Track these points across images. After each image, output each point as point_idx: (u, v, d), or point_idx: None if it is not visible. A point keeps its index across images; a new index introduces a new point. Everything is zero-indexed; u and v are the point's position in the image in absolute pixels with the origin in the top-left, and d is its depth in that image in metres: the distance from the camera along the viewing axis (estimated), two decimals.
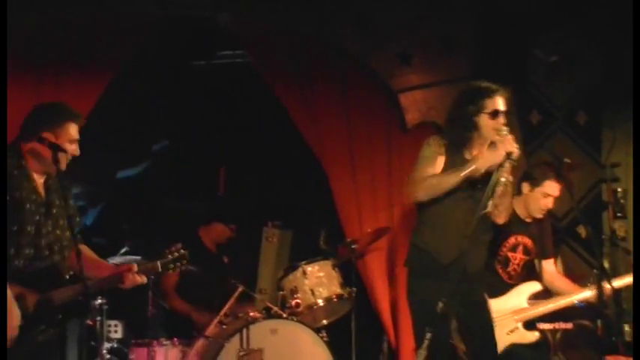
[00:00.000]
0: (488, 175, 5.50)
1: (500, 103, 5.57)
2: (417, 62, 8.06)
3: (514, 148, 5.38)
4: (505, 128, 5.49)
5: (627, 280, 6.43)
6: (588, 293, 6.44)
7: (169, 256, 5.50)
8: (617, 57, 8.16)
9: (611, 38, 8.17)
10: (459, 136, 5.65)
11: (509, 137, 5.43)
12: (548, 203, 6.52)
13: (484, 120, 5.56)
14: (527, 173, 6.50)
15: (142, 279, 5.33)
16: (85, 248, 5.46)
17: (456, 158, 5.62)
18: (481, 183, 5.55)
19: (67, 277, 5.12)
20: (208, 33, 8.34)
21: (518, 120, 8.10)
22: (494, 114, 5.54)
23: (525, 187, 6.50)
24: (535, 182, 6.48)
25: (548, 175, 6.47)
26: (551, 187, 6.49)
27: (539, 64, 8.31)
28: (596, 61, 8.27)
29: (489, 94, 5.59)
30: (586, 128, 8.31)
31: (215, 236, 7.97)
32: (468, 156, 5.65)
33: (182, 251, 5.54)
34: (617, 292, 7.40)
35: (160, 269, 5.47)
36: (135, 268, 5.29)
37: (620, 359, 6.90)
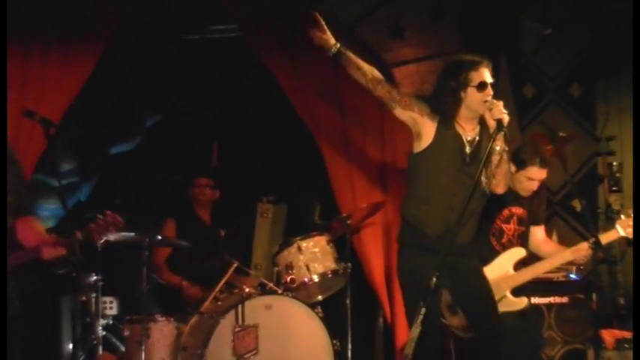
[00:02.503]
0: (478, 146, 5.52)
1: (486, 74, 5.53)
2: (409, 35, 8.03)
3: (503, 115, 5.34)
4: (493, 101, 5.45)
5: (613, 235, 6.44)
6: (569, 255, 6.43)
7: (92, 224, 5.13)
8: (609, 27, 8.14)
9: (603, 8, 8.16)
10: (446, 111, 5.61)
11: (498, 103, 5.39)
12: (533, 186, 6.52)
13: (471, 93, 5.51)
14: (515, 153, 6.46)
15: (61, 250, 5.07)
16: (30, 220, 5.30)
17: (446, 132, 5.59)
18: (470, 156, 5.56)
19: None
20: (199, 6, 8.29)
21: (512, 93, 8.10)
22: (481, 86, 5.49)
23: (512, 167, 6.48)
24: (520, 165, 6.45)
25: (533, 161, 6.43)
26: (535, 173, 6.47)
27: (532, 35, 8.28)
28: (588, 31, 8.24)
29: (474, 66, 5.54)
30: (580, 100, 8.28)
31: (201, 200, 7.97)
32: (459, 130, 5.61)
33: (108, 217, 5.09)
34: (611, 265, 7.45)
35: (80, 238, 5.10)
36: (52, 239, 5.09)
37: (615, 332, 6.93)
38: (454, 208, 5.41)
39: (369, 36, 8.04)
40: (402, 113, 5.66)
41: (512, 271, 6.45)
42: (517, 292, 6.41)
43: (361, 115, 8.07)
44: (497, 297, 6.21)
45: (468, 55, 5.65)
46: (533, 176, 6.48)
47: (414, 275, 5.50)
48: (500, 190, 5.70)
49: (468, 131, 5.62)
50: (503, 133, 5.34)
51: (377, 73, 5.72)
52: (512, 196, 6.50)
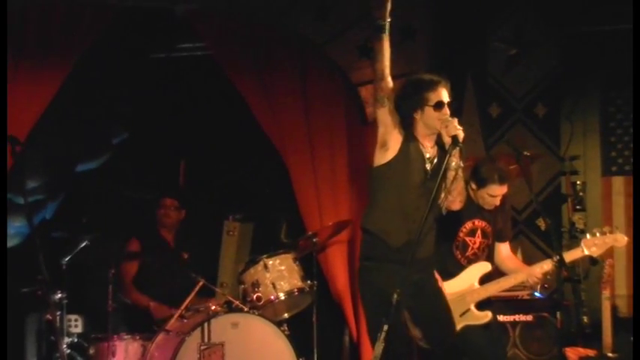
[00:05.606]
0: (436, 164, 5.57)
1: (443, 94, 5.56)
2: None
3: (458, 131, 5.38)
4: (448, 117, 5.50)
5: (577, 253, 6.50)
6: (536, 269, 6.47)
7: None
8: (575, 48, 8.23)
9: (569, 28, 8.24)
10: (406, 128, 5.65)
11: (453, 120, 5.43)
12: (495, 201, 6.55)
13: (428, 112, 5.54)
14: (475, 173, 6.50)
15: None
16: None
17: (410, 145, 5.61)
18: (431, 173, 5.58)
19: None
20: (167, 24, 8.30)
21: (478, 113, 8.17)
22: (439, 105, 5.52)
23: (472, 185, 6.51)
24: (480, 184, 6.49)
25: (492, 179, 6.45)
26: (495, 190, 6.50)
27: (499, 56, 8.35)
28: (555, 52, 8.31)
29: (432, 86, 5.57)
30: (545, 120, 8.34)
31: (166, 222, 7.94)
32: (421, 147, 5.63)
33: None
34: (575, 283, 7.50)
35: None
36: None
37: (579, 351, 6.97)
38: (416, 221, 5.44)
39: (338, 56, 8.09)
40: (384, 115, 5.59)
41: (477, 285, 6.48)
42: (481, 306, 6.45)
43: (329, 134, 8.11)
44: (461, 310, 6.27)
45: (427, 74, 5.68)
46: (494, 193, 6.51)
47: (375, 290, 5.51)
48: (456, 206, 5.72)
49: (428, 149, 5.66)
50: (459, 149, 5.39)
51: (388, 70, 5.63)
52: (475, 209, 6.53)
